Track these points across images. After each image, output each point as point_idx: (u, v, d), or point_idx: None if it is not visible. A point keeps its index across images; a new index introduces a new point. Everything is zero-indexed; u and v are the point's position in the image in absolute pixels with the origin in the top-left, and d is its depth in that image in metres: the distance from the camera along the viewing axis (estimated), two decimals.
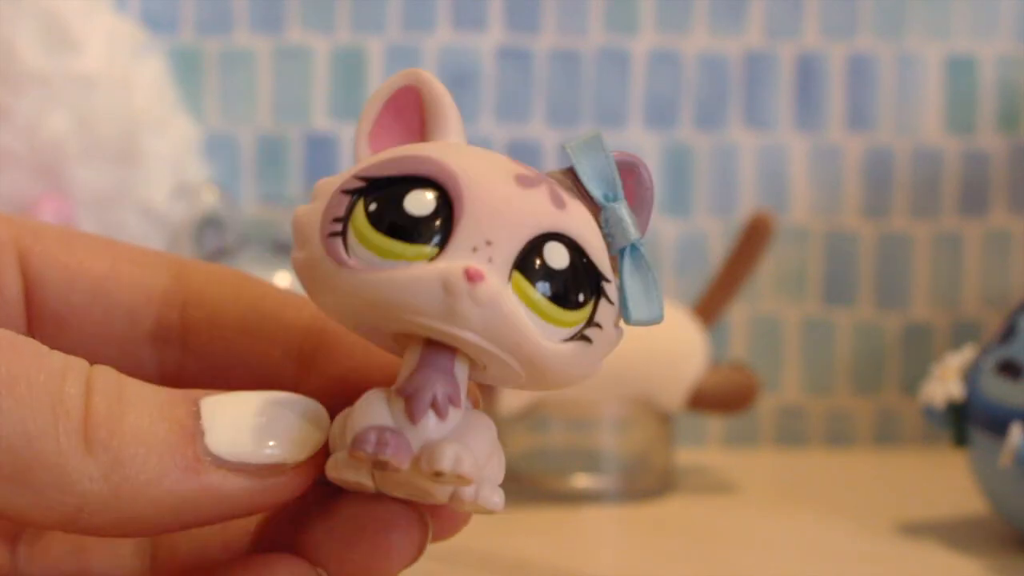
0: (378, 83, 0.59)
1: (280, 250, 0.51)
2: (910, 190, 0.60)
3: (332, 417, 0.23)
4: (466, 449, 0.22)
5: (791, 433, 0.60)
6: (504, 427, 0.51)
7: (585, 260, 0.22)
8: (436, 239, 0.22)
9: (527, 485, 0.50)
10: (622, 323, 0.23)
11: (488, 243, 0.22)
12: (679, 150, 0.60)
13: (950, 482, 0.50)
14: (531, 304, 0.22)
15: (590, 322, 0.23)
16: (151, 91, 0.54)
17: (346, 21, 0.59)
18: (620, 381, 0.50)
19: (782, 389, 0.60)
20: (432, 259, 0.21)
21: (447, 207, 0.22)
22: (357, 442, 0.22)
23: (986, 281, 0.60)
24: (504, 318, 0.21)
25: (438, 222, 0.22)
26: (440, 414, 0.22)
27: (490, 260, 0.21)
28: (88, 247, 0.26)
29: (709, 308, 0.53)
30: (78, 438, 0.21)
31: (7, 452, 0.21)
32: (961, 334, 0.60)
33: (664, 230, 0.60)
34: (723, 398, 0.51)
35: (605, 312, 0.23)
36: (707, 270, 0.58)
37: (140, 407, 0.22)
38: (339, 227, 0.22)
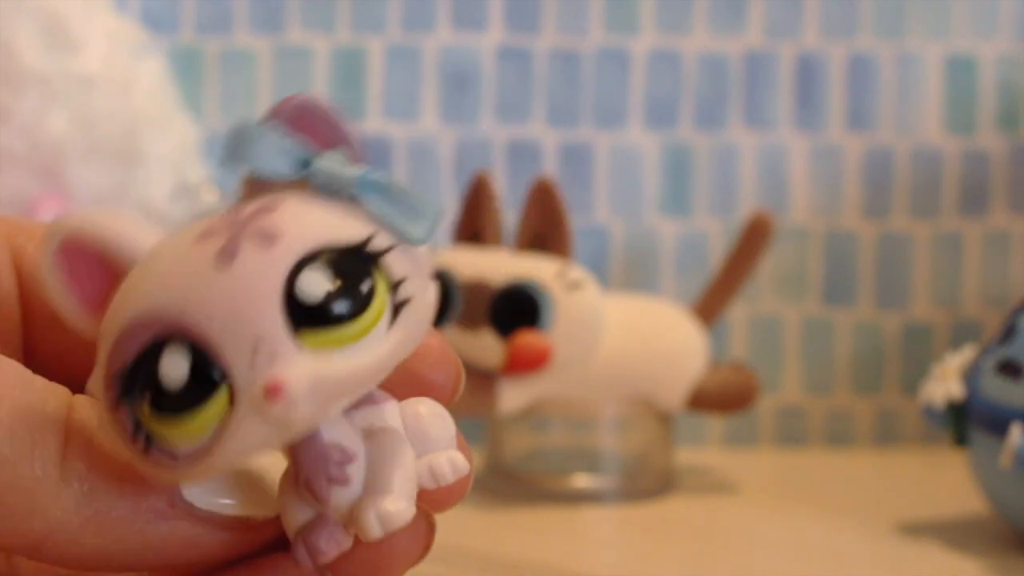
0: (378, 83, 0.59)
1: None
2: (910, 190, 0.60)
3: None
4: (385, 499, 0.21)
5: (791, 433, 0.60)
6: (504, 427, 0.51)
7: (334, 255, 0.20)
8: (218, 381, 0.20)
9: (527, 485, 0.50)
10: (415, 248, 0.21)
11: (257, 344, 0.20)
12: (679, 150, 0.60)
13: (950, 482, 0.50)
14: (338, 342, 0.20)
15: (393, 288, 0.21)
16: (151, 91, 0.54)
17: (346, 21, 0.59)
18: (620, 381, 0.50)
19: (782, 389, 0.60)
20: (232, 400, 0.20)
21: (197, 348, 0.20)
22: (296, 559, 0.21)
23: (986, 281, 0.60)
24: (332, 386, 0.20)
25: (204, 368, 0.20)
26: (341, 483, 0.21)
27: (273, 355, 0.20)
28: None
29: (709, 308, 0.53)
30: (54, 466, 0.21)
31: None
32: (961, 334, 0.59)
33: (664, 230, 0.60)
34: (723, 398, 0.51)
35: (394, 263, 0.21)
36: (707, 270, 0.58)
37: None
38: (143, 439, 0.20)
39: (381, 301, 0.21)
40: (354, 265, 0.20)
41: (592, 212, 0.59)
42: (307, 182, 0.21)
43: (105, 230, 0.21)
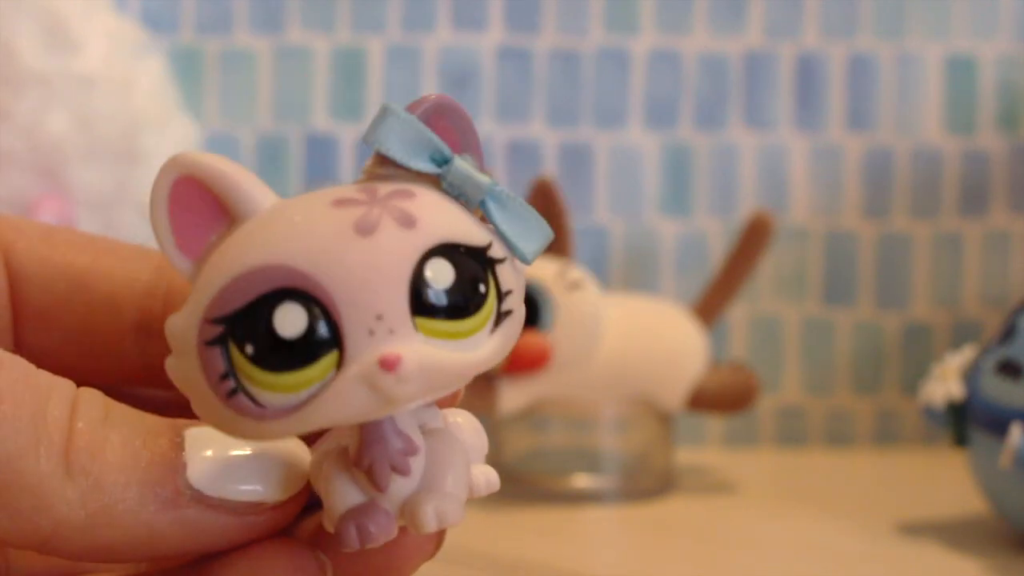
0: (378, 83, 0.59)
1: None
2: (910, 190, 0.60)
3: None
4: (443, 497, 0.21)
5: (791, 433, 0.60)
6: (504, 427, 0.51)
7: (462, 250, 0.21)
8: (329, 343, 0.20)
9: (527, 485, 0.50)
10: (519, 264, 0.22)
11: (379, 317, 0.20)
12: (679, 150, 0.60)
13: (950, 482, 0.50)
14: (448, 335, 0.21)
15: (500, 296, 0.22)
16: (151, 91, 0.54)
17: (346, 21, 0.59)
18: (620, 381, 0.50)
19: (782, 389, 0.60)
20: (339, 364, 0.20)
21: (318, 305, 0.20)
22: (342, 541, 0.21)
23: (986, 281, 0.60)
24: (436, 372, 0.20)
25: (320, 327, 0.20)
26: (403, 473, 0.21)
27: (391, 331, 0.20)
28: (70, 242, 0.26)
29: (709, 308, 0.53)
30: (59, 461, 0.21)
31: None
32: (961, 334, 0.60)
33: (664, 230, 0.60)
34: (723, 398, 0.51)
35: (504, 274, 0.22)
36: (707, 270, 0.58)
37: (124, 433, 0.22)
38: (231, 382, 0.21)
39: (490, 306, 0.21)
40: (476, 266, 0.21)
41: (592, 212, 0.59)
42: (439, 178, 0.22)
43: (232, 174, 0.21)
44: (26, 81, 0.51)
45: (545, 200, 0.50)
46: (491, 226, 0.22)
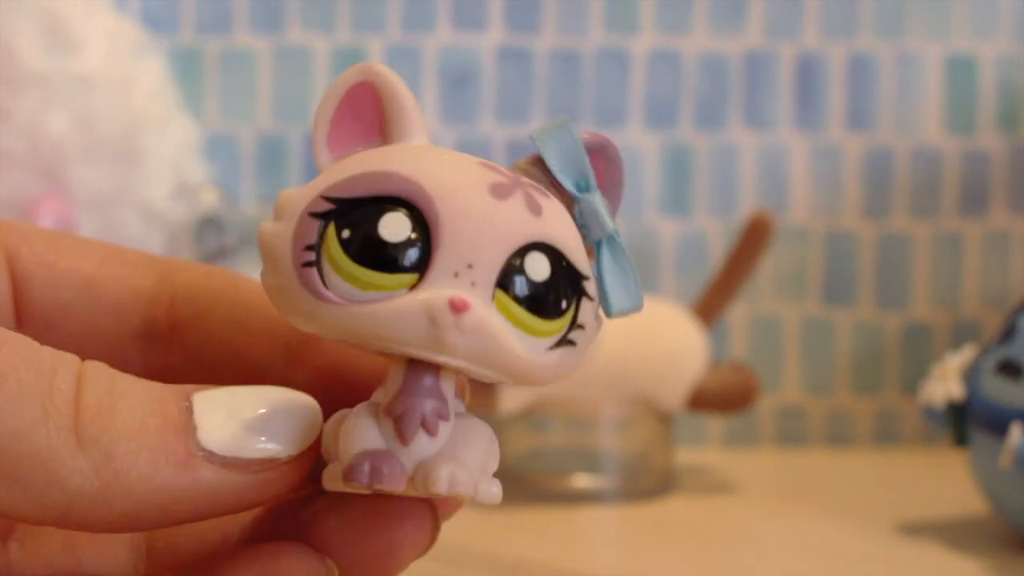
0: None
1: None
2: (910, 190, 0.60)
3: (324, 409, 0.23)
4: (460, 466, 0.22)
5: (791, 433, 0.60)
6: (504, 427, 0.51)
7: (565, 264, 0.22)
8: (415, 265, 0.21)
9: (527, 485, 0.50)
10: (602, 314, 0.23)
11: (469, 266, 0.21)
12: (679, 150, 0.60)
13: (950, 482, 0.50)
14: (516, 321, 0.22)
15: (573, 325, 0.22)
16: (151, 91, 0.54)
17: (346, 21, 0.59)
18: (620, 381, 0.50)
19: (782, 389, 0.60)
20: (413, 286, 0.21)
21: (424, 230, 0.21)
22: (351, 472, 0.22)
23: (986, 281, 0.60)
24: (491, 343, 0.21)
25: (416, 247, 0.21)
26: (431, 432, 0.22)
27: (473, 284, 0.21)
28: (75, 248, 0.26)
29: (709, 308, 0.53)
30: (68, 433, 0.21)
31: None
32: (961, 334, 0.60)
33: (664, 230, 0.60)
34: (723, 398, 0.51)
35: (586, 311, 0.23)
36: (707, 270, 0.58)
37: (132, 402, 0.22)
38: (312, 255, 0.21)
39: (561, 324, 0.22)
40: (568, 283, 0.22)
41: None
42: (572, 200, 0.23)
43: (408, 100, 0.23)
44: (26, 81, 0.51)
45: None
46: (594, 268, 0.23)
